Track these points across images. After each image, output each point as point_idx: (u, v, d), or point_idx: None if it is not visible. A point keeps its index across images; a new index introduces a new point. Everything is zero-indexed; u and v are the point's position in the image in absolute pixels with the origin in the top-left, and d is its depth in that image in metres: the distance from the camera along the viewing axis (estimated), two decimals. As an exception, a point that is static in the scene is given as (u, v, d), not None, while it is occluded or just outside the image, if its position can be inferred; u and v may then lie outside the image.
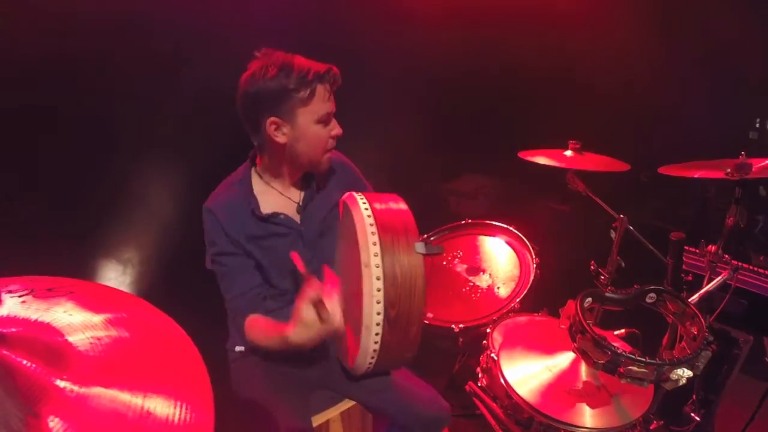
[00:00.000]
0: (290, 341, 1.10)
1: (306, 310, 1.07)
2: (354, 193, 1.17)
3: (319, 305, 1.07)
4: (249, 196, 1.34)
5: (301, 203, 1.41)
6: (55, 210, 1.99)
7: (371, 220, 1.07)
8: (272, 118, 1.21)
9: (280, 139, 1.24)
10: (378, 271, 1.02)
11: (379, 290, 1.02)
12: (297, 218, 1.41)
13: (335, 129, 1.29)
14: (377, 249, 1.03)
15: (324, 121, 1.25)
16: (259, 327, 1.28)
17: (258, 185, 1.38)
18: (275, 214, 1.37)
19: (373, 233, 1.05)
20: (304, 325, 1.08)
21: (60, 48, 1.85)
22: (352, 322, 1.15)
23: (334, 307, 1.11)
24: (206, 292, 1.43)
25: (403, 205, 1.16)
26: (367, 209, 1.10)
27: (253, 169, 1.39)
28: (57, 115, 1.95)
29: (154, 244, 2.34)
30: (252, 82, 1.21)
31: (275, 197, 1.39)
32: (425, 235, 2.38)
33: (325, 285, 1.15)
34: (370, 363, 1.10)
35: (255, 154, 1.39)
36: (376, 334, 1.04)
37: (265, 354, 1.44)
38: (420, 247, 1.06)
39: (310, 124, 1.23)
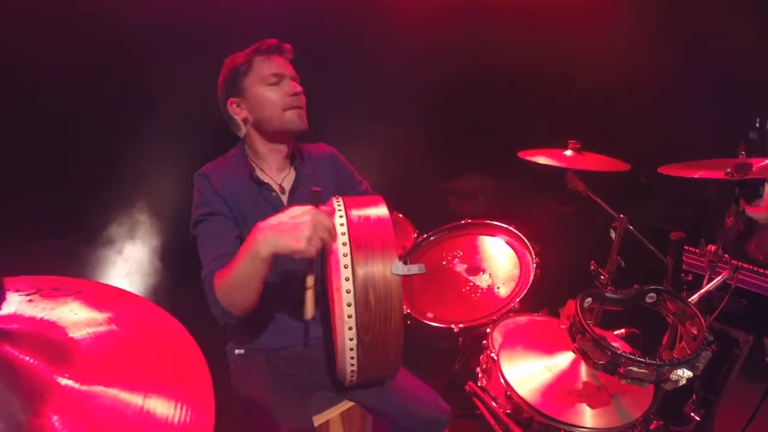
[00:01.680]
0: (252, 236, 1.01)
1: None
2: (334, 201, 1.10)
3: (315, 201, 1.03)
4: (245, 163, 1.37)
5: (283, 186, 1.41)
6: (59, 211, 1.99)
7: (345, 239, 1.00)
8: (230, 100, 1.34)
9: (242, 114, 1.33)
10: (349, 297, 0.96)
11: (350, 316, 0.97)
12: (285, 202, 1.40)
13: (290, 87, 1.31)
14: (349, 273, 0.97)
15: (273, 82, 1.30)
16: (225, 268, 1.12)
17: (251, 160, 1.41)
18: (269, 186, 1.37)
19: (345, 255, 0.98)
20: (280, 214, 1.01)
21: (60, 50, 1.85)
22: (333, 339, 1.10)
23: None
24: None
25: (383, 213, 1.07)
26: (342, 224, 1.03)
27: (245, 148, 1.42)
28: (58, 115, 1.96)
29: (160, 245, 2.34)
30: (217, 90, 1.38)
31: (265, 177, 1.40)
32: (425, 234, 2.38)
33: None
34: (351, 380, 1.08)
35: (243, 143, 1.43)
36: (351, 358, 1.01)
37: (266, 357, 1.45)
38: (397, 268, 0.99)
39: (259, 88, 1.30)
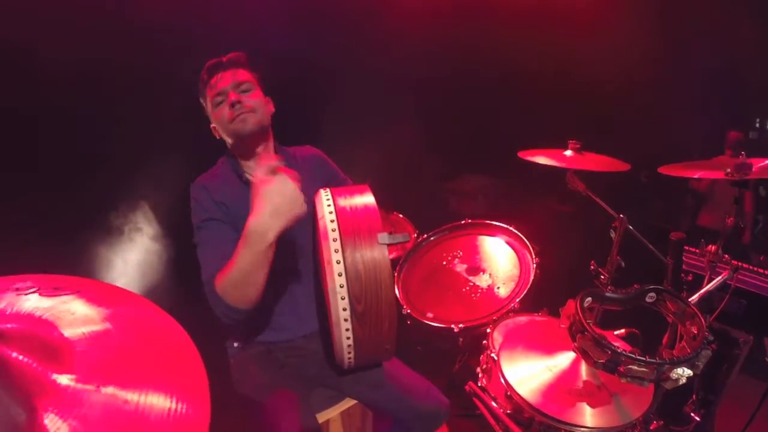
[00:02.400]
0: (252, 228, 1.07)
1: (261, 173, 1.10)
2: (321, 191, 1.18)
3: (276, 170, 1.08)
4: (234, 167, 1.47)
5: None
6: (59, 210, 1.99)
7: (332, 216, 1.08)
8: (211, 127, 1.48)
9: (218, 134, 1.47)
10: (339, 267, 1.03)
11: (342, 286, 1.03)
12: None
13: (228, 101, 1.39)
14: (338, 245, 1.04)
15: (218, 102, 1.40)
16: (226, 268, 1.17)
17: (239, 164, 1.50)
18: None
19: (333, 230, 1.06)
20: (262, 197, 1.07)
21: (60, 51, 1.85)
22: (328, 318, 1.15)
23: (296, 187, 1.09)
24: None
25: (368, 198, 1.15)
26: (330, 205, 1.11)
27: (232, 156, 1.51)
28: (59, 115, 1.96)
29: (160, 244, 2.34)
30: None
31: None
32: (425, 235, 2.38)
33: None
34: (349, 358, 1.11)
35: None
36: (347, 330, 1.05)
37: (265, 348, 1.46)
38: (383, 237, 1.06)
39: (214, 111, 1.43)
